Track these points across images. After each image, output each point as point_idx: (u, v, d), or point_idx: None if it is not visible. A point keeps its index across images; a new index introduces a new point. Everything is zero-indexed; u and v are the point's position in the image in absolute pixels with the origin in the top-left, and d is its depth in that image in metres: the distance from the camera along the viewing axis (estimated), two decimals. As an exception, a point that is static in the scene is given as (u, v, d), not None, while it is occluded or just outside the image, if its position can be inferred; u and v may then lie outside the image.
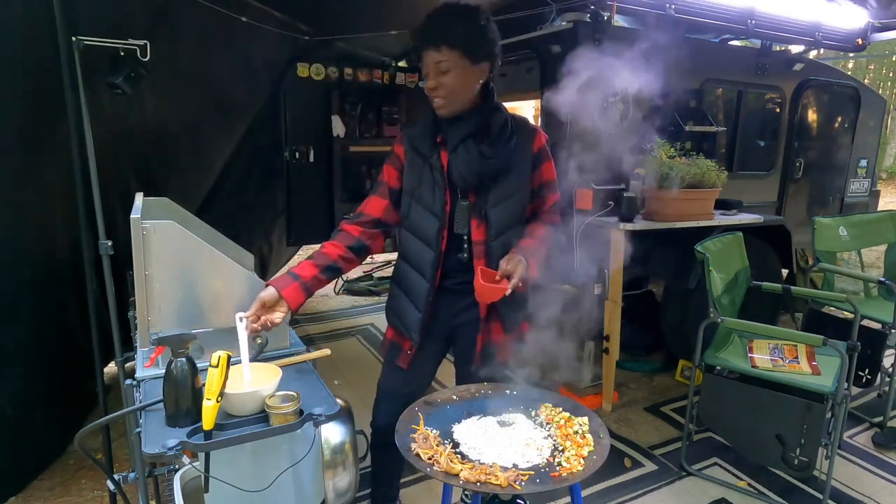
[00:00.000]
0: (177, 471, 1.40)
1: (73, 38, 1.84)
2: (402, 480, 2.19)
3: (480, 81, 1.61)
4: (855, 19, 3.91)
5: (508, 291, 1.51)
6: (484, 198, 1.63)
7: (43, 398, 2.47)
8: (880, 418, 3.03)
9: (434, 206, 1.64)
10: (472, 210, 1.63)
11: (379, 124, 4.32)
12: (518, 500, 1.41)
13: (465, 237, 1.65)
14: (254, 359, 1.43)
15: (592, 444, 1.36)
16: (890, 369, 3.01)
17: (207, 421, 1.11)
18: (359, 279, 5.62)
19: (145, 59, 1.99)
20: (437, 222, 1.64)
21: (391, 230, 1.81)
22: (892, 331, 2.84)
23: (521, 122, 1.71)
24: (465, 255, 1.66)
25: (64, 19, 1.82)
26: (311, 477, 1.36)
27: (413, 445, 1.33)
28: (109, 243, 1.95)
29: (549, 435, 1.42)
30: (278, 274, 1.69)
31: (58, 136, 2.08)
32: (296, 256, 5.91)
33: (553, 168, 1.75)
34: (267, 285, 1.52)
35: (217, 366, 1.12)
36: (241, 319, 1.33)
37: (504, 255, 1.63)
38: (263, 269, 4.38)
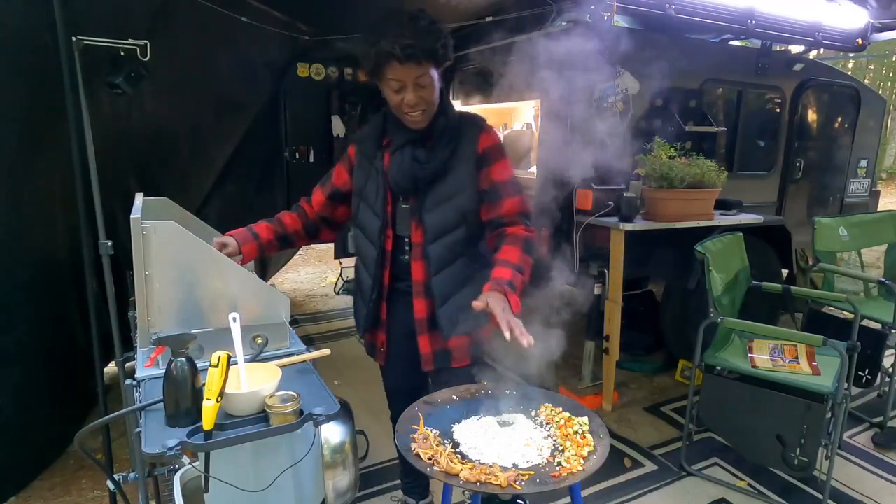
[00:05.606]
0: (177, 471, 1.40)
1: (73, 38, 1.84)
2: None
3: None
4: (855, 19, 3.91)
5: (519, 340, 1.35)
6: (421, 201, 1.63)
7: (43, 398, 2.47)
8: (880, 418, 3.03)
9: (376, 207, 1.68)
10: (411, 213, 1.65)
11: (379, 124, 4.33)
12: (518, 500, 1.40)
13: (407, 239, 1.68)
14: (254, 359, 1.43)
15: (592, 444, 1.36)
16: (890, 369, 3.01)
17: (207, 421, 1.10)
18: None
19: (145, 59, 1.99)
20: (379, 221, 1.68)
21: (336, 226, 1.91)
22: (892, 331, 2.84)
23: (468, 122, 1.66)
24: (407, 256, 1.69)
25: (64, 19, 1.82)
26: (311, 477, 1.36)
27: (413, 445, 1.33)
28: (109, 243, 1.95)
29: (549, 435, 1.42)
30: (243, 228, 1.75)
31: (58, 136, 2.08)
32: (296, 256, 5.91)
33: (507, 168, 1.64)
34: (227, 234, 1.66)
35: (217, 366, 1.12)
36: (234, 319, 1.33)
37: (444, 257, 1.64)
38: (263, 269, 4.38)
